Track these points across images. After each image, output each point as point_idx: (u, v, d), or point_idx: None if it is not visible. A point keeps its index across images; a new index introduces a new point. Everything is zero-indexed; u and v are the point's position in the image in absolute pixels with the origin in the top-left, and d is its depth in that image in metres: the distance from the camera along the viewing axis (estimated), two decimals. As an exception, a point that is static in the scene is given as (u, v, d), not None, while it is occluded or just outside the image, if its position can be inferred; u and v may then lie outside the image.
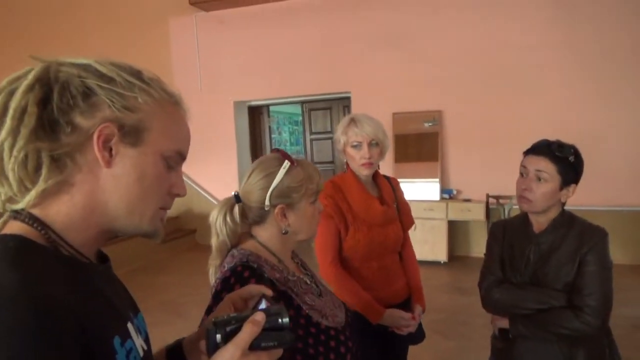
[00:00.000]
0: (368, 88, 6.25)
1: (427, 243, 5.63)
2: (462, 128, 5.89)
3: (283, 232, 1.19)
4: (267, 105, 7.46)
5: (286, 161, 1.17)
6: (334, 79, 6.42)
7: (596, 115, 5.23)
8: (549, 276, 1.52)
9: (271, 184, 1.16)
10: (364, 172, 1.81)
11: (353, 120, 1.79)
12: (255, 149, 7.51)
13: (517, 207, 5.52)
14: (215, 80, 7.09)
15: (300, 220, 1.21)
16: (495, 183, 5.67)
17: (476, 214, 5.60)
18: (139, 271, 5.75)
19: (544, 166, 1.50)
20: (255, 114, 7.47)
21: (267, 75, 6.74)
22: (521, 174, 1.57)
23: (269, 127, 7.66)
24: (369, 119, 1.80)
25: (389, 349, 1.83)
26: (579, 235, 1.52)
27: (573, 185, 1.54)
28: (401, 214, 1.94)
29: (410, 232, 2.01)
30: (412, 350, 1.99)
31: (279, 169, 1.17)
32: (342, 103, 6.90)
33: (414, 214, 2.04)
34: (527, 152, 1.57)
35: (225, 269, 1.14)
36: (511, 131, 5.59)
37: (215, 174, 7.10)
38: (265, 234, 1.21)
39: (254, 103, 7.26)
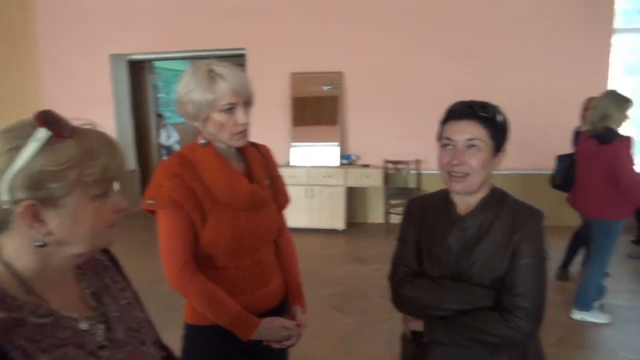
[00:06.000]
0: (265, 45, 5.82)
1: (324, 210, 5.48)
2: (362, 91, 5.72)
3: (37, 243, 0.75)
4: (151, 60, 6.70)
5: (42, 129, 0.72)
6: (228, 34, 5.89)
7: (490, 78, 5.29)
8: (475, 269, 1.24)
9: (11, 165, 0.71)
10: (239, 143, 1.36)
11: (213, 74, 1.29)
12: (138, 111, 6.74)
13: (414, 172, 5.47)
14: (86, 29, 6.14)
15: (71, 224, 0.76)
16: (393, 148, 5.64)
17: (374, 180, 5.52)
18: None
19: (475, 132, 1.21)
20: (137, 70, 6.67)
21: (150, 26, 6.01)
22: (444, 146, 1.25)
23: (154, 85, 6.87)
24: (231, 69, 1.31)
25: None
26: (512, 217, 1.25)
27: (502, 152, 1.27)
28: (275, 192, 1.53)
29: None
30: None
31: (28, 141, 0.72)
32: (236, 61, 6.22)
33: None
34: (447, 119, 1.27)
35: None
36: (410, 96, 5.55)
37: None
38: (13, 245, 0.76)
39: (134, 57, 6.45)
